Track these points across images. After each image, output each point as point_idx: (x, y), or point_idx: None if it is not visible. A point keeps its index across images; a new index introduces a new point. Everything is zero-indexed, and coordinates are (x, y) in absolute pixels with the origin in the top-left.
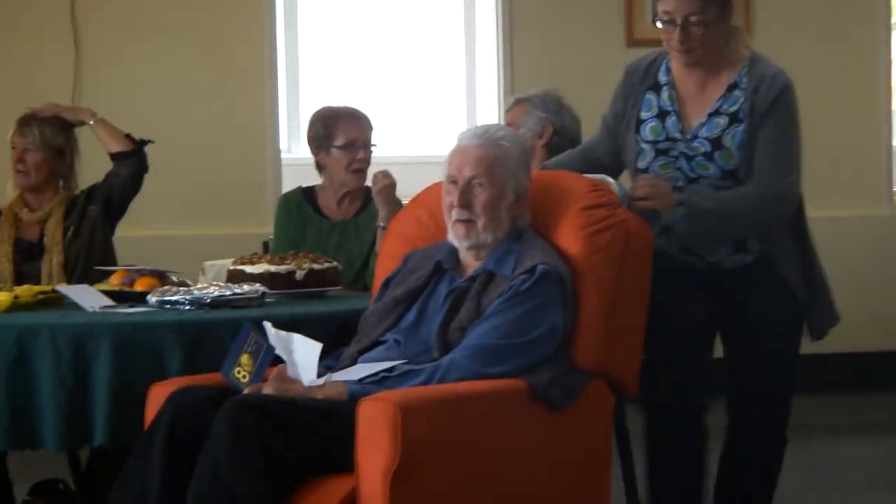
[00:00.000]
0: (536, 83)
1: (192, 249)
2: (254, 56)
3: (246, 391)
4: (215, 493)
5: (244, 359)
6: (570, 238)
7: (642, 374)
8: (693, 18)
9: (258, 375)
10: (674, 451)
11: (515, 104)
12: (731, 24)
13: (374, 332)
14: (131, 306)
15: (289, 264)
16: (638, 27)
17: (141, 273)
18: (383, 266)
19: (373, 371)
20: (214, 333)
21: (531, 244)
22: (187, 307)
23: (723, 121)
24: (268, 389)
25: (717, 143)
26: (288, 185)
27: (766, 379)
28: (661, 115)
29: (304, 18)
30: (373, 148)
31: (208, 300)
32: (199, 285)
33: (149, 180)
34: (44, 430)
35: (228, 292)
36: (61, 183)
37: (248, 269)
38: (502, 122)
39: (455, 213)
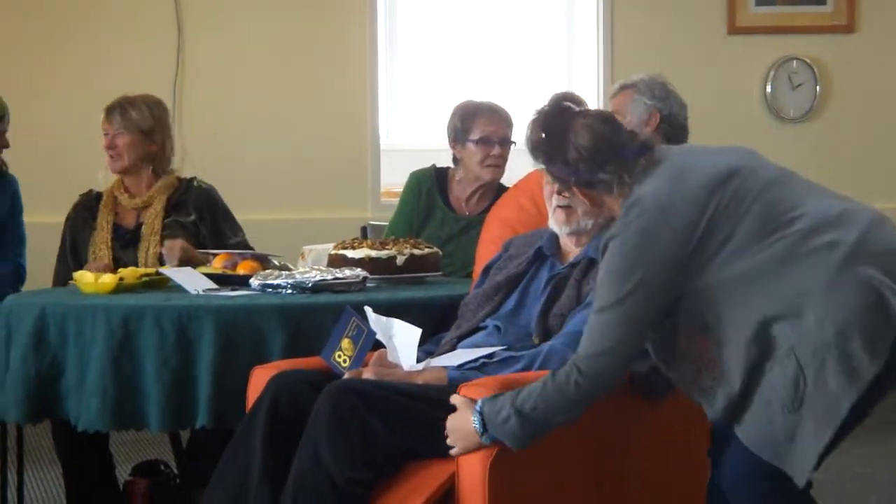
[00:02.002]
0: (636, 70)
1: (291, 233)
2: (355, 41)
3: (346, 375)
4: (316, 478)
5: (345, 343)
6: None
7: None
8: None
9: (358, 360)
10: None
11: (620, 90)
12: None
13: (473, 318)
14: (234, 289)
15: (390, 249)
16: (740, 15)
17: (243, 256)
18: (484, 252)
19: (472, 357)
20: (316, 317)
21: None
22: (289, 291)
23: None
24: (368, 374)
25: None
26: (387, 172)
27: None
28: None
29: (405, 4)
30: (513, 145)
31: (310, 284)
32: (300, 269)
33: (249, 164)
34: (148, 411)
35: (330, 276)
36: (151, 166)
37: (350, 253)
38: (603, 109)
39: (555, 200)
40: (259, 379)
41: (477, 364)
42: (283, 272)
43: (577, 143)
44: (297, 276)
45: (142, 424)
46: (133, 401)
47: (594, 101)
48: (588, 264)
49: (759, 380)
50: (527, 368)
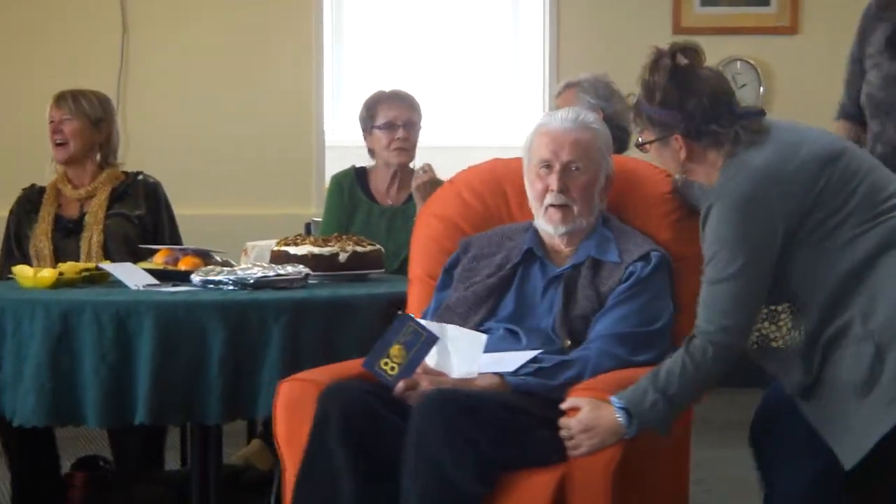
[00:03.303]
0: (581, 69)
1: (235, 229)
2: (300, 38)
3: (399, 385)
4: (447, 497)
5: (395, 350)
6: (657, 225)
7: None
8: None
9: (410, 368)
10: None
11: (565, 88)
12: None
13: (465, 323)
14: (175, 285)
15: (332, 246)
16: (685, 15)
17: (185, 252)
18: (424, 250)
19: (520, 362)
20: (257, 314)
21: (623, 230)
22: (231, 287)
23: None
24: (424, 383)
25: None
26: (331, 168)
27: None
28: None
29: (352, 1)
30: (419, 130)
31: (252, 280)
32: (242, 265)
33: (193, 160)
34: (86, 407)
35: (272, 273)
36: (98, 157)
37: (292, 250)
38: (549, 107)
39: (551, 198)
40: (292, 393)
41: (531, 370)
42: (225, 268)
43: (700, 89)
44: (239, 272)
45: (80, 420)
46: (71, 396)
47: (539, 98)
48: (594, 264)
49: (833, 358)
50: (581, 373)
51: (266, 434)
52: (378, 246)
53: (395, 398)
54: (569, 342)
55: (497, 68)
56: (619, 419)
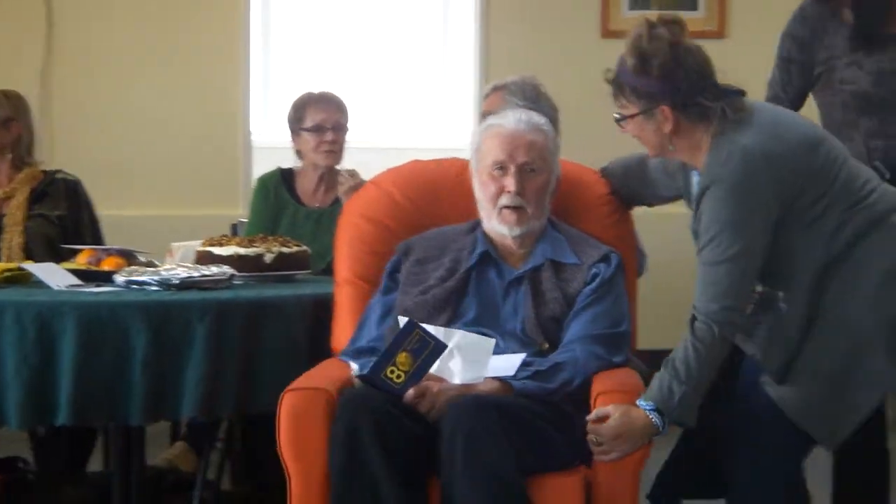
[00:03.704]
0: (510, 72)
1: (161, 230)
2: (227, 38)
3: (411, 391)
4: (504, 495)
5: (401, 357)
6: (599, 226)
7: None
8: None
9: (417, 375)
10: None
11: (493, 91)
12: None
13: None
14: (98, 286)
15: (258, 247)
16: (613, 20)
17: (108, 252)
18: (355, 251)
19: (510, 366)
20: (181, 315)
21: (570, 232)
22: (154, 288)
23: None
24: (435, 389)
25: None
26: (258, 169)
27: None
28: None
29: (279, 1)
30: (347, 132)
31: (176, 281)
32: (166, 266)
33: (118, 159)
34: (7, 408)
35: (196, 274)
36: (11, 157)
37: (217, 250)
38: (478, 110)
39: (507, 200)
40: (299, 402)
41: (528, 374)
42: (149, 269)
43: (688, 61)
44: (163, 272)
45: (1, 421)
46: None
47: (468, 100)
48: (553, 266)
49: (811, 345)
50: (573, 376)
51: (190, 436)
52: (304, 247)
53: (407, 405)
54: (546, 345)
55: (426, 70)
56: (653, 419)
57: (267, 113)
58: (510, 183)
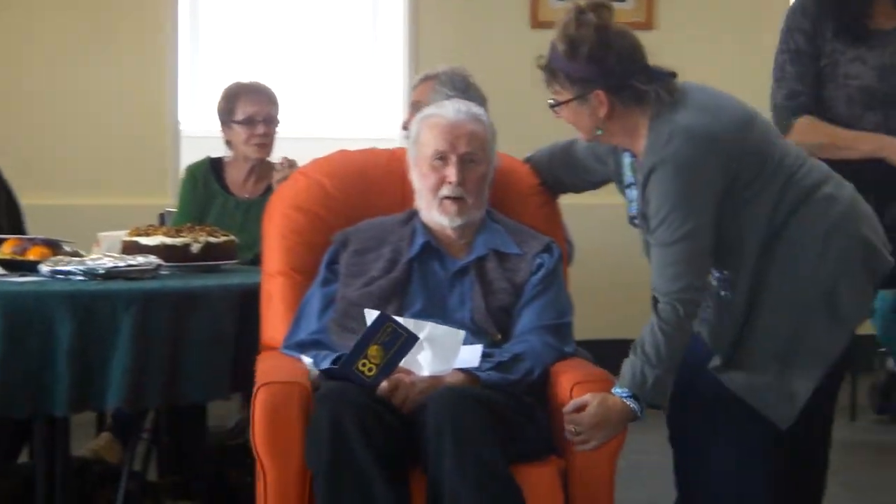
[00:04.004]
0: (440, 62)
1: (88, 220)
2: (155, 27)
3: (384, 385)
4: (497, 486)
5: (373, 350)
6: (532, 217)
7: None
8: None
9: (388, 368)
10: None
11: (422, 81)
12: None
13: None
14: (23, 275)
15: (185, 237)
16: (542, 10)
17: (33, 242)
18: (288, 242)
19: (471, 356)
20: (107, 305)
21: (507, 223)
22: (80, 277)
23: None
24: (407, 381)
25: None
26: (187, 158)
27: None
28: (629, 185)
29: None
30: (278, 123)
31: (102, 271)
32: (92, 256)
33: (45, 148)
34: None
35: (122, 264)
36: None
37: (144, 240)
38: (407, 100)
39: (448, 190)
40: (274, 397)
41: (492, 364)
42: (75, 258)
43: (619, 44)
44: (89, 262)
45: None
46: None
47: (398, 91)
48: (497, 256)
49: (756, 325)
50: (533, 367)
51: (115, 427)
52: (231, 237)
53: (381, 398)
54: (499, 335)
55: (356, 60)
56: (631, 405)
57: (196, 102)
58: (452, 173)
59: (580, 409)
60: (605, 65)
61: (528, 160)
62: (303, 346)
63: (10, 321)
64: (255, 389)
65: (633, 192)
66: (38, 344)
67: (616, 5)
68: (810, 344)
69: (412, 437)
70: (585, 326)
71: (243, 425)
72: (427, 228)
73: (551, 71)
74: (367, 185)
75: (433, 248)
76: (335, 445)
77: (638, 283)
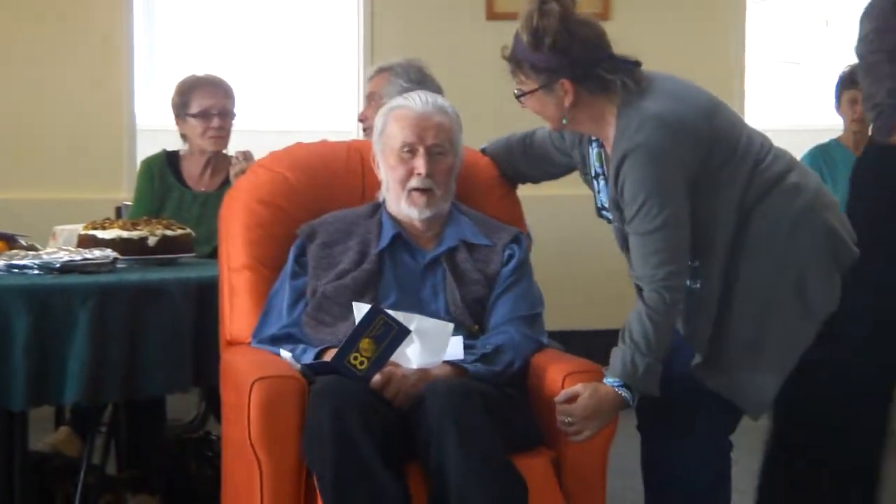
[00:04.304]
0: (396, 54)
1: (44, 214)
2: (110, 21)
3: (377, 378)
4: (505, 477)
5: (364, 343)
6: (494, 208)
7: None
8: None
9: (380, 362)
10: None
11: (378, 73)
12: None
13: (348, 313)
14: None
15: (141, 230)
16: (498, 1)
17: None
18: (253, 236)
19: (460, 349)
20: (63, 298)
21: (472, 214)
22: (36, 271)
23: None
24: (399, 374)
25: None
26: (143, 152)
27: None
28: (596, 176)
29: None
30: (234, 116)
31: (58, 265)
32: (48, 250)
33: (0, 142)
34: None
35: (79, 257)
36: None
37: (100, 234)
38: (362, 92)
39: (416, 182)
40: (269, 392)
41: (475, 357)
42: (31, 252)
43: (583, 33)
44: (45, 256)
45: None
46: None
47: (353, 82)
48: (467, 248)
49: (727, 315)
50: (514, 358)
51: (74, 421)
52: (188, 230)
53: (374, 392)
54: (476, 326)
55: (311, 53)
56: (622, 394)
57: (151, 95)
58: (420, 165)
59: (571, 399)
60: (569, 54)
61: (483, 151)
62: (275, 340)
63: None
64: (249, 385)
65: (601, 183)
66: None
67: None
68: (780, 335)
69: (408, 430)
70: (552, 317)
71: (202, 418)
72: (395, 220)
73: (516, 61)
74: (329, 178)
75: (403, 239)
76: (340, 443)
77: (601, 273)
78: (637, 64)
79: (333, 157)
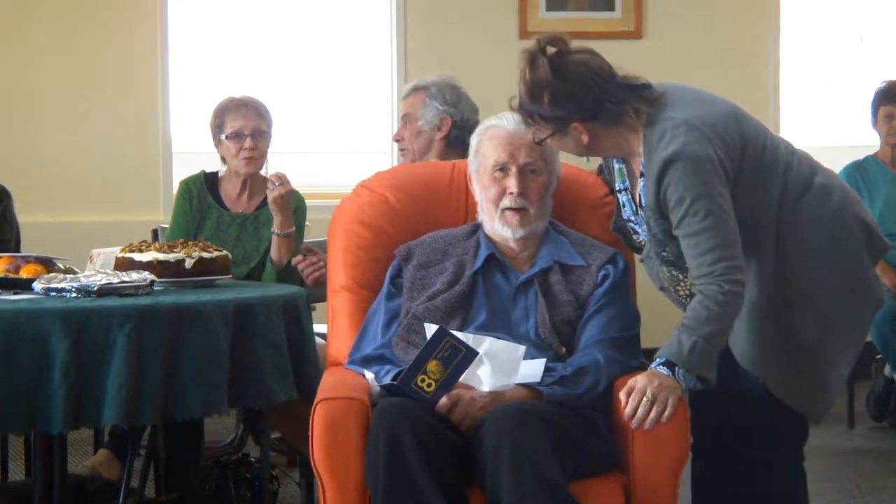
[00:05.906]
0: (429, 72)
1: (81, 237)
2: (146, 44)
3: (443, 401)
4: (561, 500)
5: (432, 366)
6: (598, 228)
7: None
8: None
9: (448, 384)
10: None
11: (413, 91)
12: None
13: None
14: (16, 293)
15: (178, 252)
16: (531, 20)
17: (27, 260)
18: (353, 258)
19: (533, 371)
20: (101, 321)
21: (570, 234)
22: (73, 295)
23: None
24: (467, 397)
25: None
26: (179, 174)
27: None
28: (620, 191)
29: (200, 8)
30: (269, 137)
31: (95, 288)
32: (86, 273)
33: (39, 167)
34: None
35: (116, 280)
36: None
37: (137, 256)
38: (397, 111)
39: (509, 201)
40: (332, 413)
41: (554, 379)
42: (68, 276)
43: (581, 73)
44: (83, 279)
45: None
46: None
47: (387, 100)
48: (562, 269)
49: (782, 322)
50: (597, 380)
51: (113, 443)
52: (225, 252)
53: (439, 414)
54: (563, 349)
55: (345, 73)
56: (679, 377)
57: (188, 119)
58: (512, 184)
59: (631, 389)
60: (572, 100)
61: (599, 173)
62: (367, 361)
63: (5, 339)
64: (314, 405)
65: (624, 198)
66: (33, 362)
67: (604, 15)
68: (839, 334)
69: (470, 454)
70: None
71: (241, 440)
72: (490, 241)
73: (525, 112)
74: (431, 199)
75: (497, 260)
76: (392, 462)
77: None
78: (646, 86)
79: (437, 177)
